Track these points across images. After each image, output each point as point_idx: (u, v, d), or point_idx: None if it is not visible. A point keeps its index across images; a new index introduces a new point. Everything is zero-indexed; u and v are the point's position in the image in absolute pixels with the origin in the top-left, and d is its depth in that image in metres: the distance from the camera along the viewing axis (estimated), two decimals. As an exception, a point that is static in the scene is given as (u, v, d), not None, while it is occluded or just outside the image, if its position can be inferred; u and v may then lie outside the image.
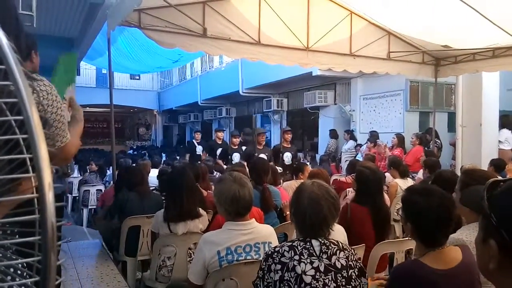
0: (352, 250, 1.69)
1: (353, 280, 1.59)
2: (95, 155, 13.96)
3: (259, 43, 4.97)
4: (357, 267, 1.64)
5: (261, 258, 1.73)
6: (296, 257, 1.57)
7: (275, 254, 1.61)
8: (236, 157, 6.78)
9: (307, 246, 1.60)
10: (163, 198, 3.45)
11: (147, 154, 13.63)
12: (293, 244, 1.62)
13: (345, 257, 1.62)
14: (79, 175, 8.81)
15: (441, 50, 5.93)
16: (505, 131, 6.80)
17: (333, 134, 10.14)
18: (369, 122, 9.64)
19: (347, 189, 4.17)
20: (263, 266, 1.62)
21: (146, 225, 3.29)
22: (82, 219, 7.34)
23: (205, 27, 4.59)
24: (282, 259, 1.58)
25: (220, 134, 7.86)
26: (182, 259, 2.76)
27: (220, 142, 7.73)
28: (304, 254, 1.58)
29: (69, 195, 7.78)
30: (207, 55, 14.44)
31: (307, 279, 1.53)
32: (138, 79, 20.08)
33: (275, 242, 2.12)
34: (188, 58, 11.39)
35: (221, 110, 15.70)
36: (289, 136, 6.84)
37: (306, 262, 1.56)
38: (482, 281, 1.61)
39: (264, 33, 4.98)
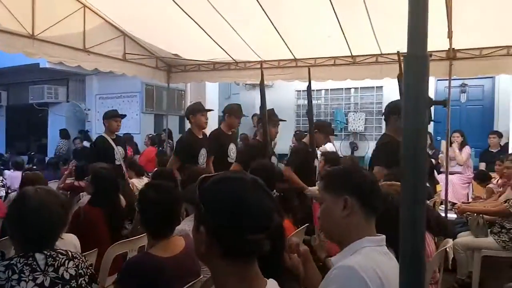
0: (83, 258, 1.64)
1: (82, 289, 1.54)
2: None
3: (-36, 20, 3.99)
4: (88, 274, 1.60)
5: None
6: (15, 277, 1.39)
7: (-15, 278, 1.36)
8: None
9: (29, 262, 1.43)
10: None
11: None
12: (11, 262, 1.42)
13: (74, 266, 1.54)
14: None
15: (172, 58, 6.46)
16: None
17: (64, 134, 9.34)
18: (106, 122, 9.48)
19: (81, 193, 3.96)
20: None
21: None
22: None
23: None
24: (-4, 282, 1.35)
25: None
26: None
27: (229, 133, 4.55)
28: (26, 271, 1.41)
29: None
30: None
31: (29, 298, 1.37)
32: None
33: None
34: None
35: None
36: None
37: (27, 280, 1.40)
38: (201, 265, 1.89)
39: (-28, 9, 4.03)
